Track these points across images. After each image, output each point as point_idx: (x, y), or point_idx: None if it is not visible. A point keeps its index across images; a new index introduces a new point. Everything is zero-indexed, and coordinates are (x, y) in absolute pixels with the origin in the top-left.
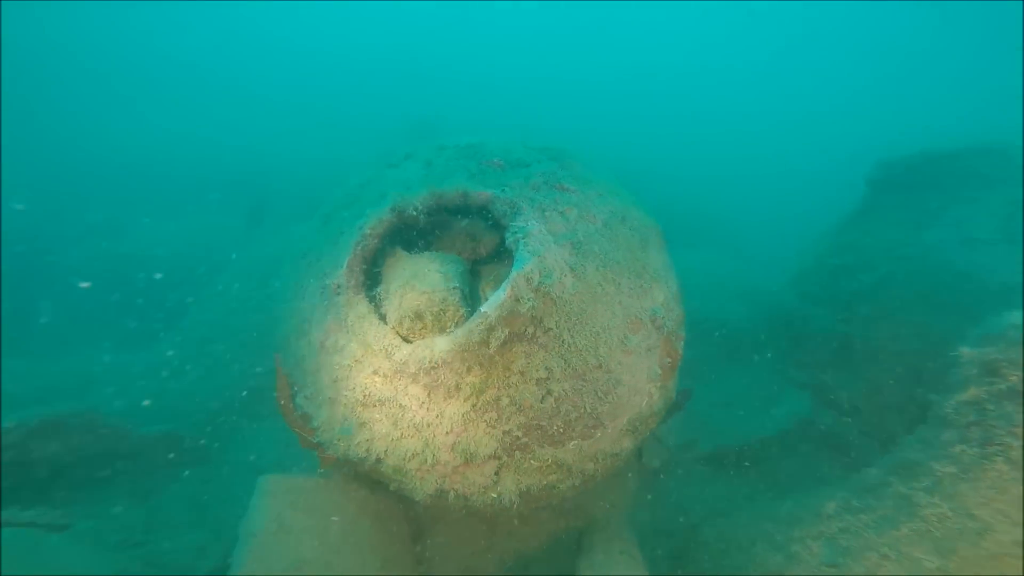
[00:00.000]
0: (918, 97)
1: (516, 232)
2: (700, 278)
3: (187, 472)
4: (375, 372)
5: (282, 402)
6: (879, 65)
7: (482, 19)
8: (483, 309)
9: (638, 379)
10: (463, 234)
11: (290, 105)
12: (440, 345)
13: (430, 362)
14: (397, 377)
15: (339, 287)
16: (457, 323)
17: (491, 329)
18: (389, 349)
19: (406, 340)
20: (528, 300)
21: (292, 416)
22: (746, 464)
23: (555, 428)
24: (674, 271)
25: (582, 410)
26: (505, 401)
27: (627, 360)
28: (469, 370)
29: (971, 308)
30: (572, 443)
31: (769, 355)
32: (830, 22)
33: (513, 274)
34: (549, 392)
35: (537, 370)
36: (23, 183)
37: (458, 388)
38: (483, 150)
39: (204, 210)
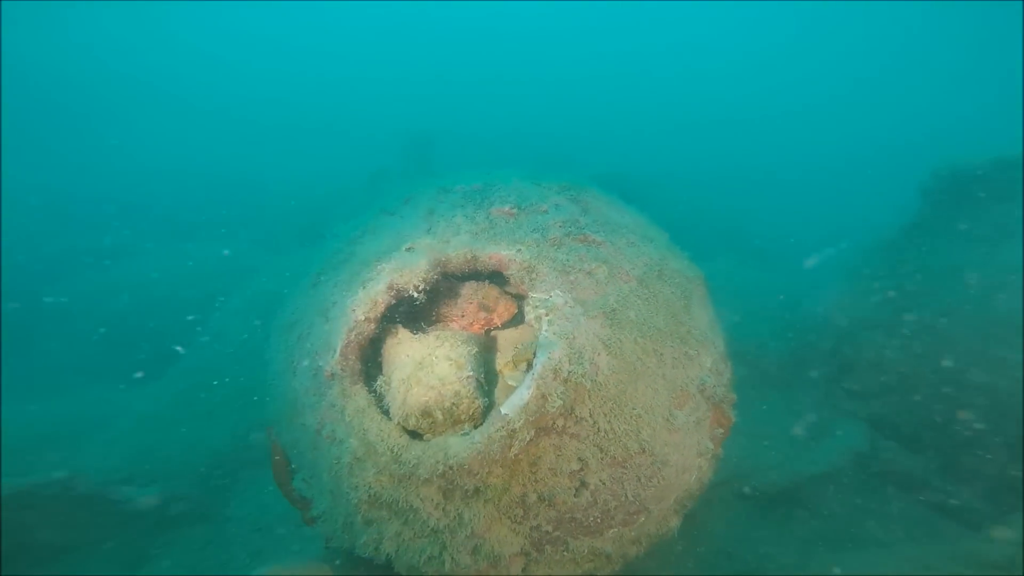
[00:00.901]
0: (969, 99)
1: (537, 306)
2: (730, 294)
3: (184, 534)
4: (380, 472)
5: (279, 481)
6: (923, 65)
7: (481, 27)
8: (504, 411)
9: (687, 457)
10: (473, 303)
11: (287, 121)
12: (455, 449)
13: (444, 467)
14: (407, 479)
15: (333, 375)
16: (472, 415)
17: (514, 434)
18: (395, 450)
19: (415, 432)
20: (558, 397)
21: (291, 496)
22: (796, 504)
23: (592, 519)
24: (720, 326)
25: (623, 498)
26: (533, 498)
27: (674, 439)
28: (490, 472)
29: None
30: (612, 531)
31: (813, 382)
32: (859, 21)
33: (538, 367)
34: (584, 485)
35: (569, 463)
36: (22, 209)
37: (478, 491)
38: (491, 193)
39: (204, 238)
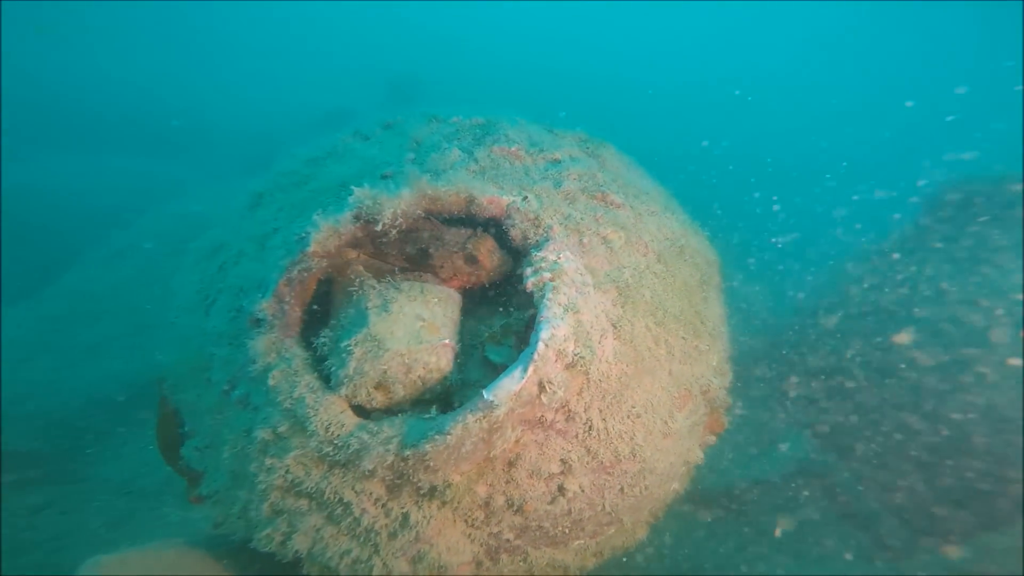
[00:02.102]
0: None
1: (541, 268)
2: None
3: (14, 494)
4: (305, 454)
5: (162, 446)
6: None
7: None
8: (487, 396)
9: (674, 465)
10: (458, 252)
11: (253, 44)
12: (414, 435)
13: (396, 457)
14: (343, 467)
15: (260, 322)
16: (442, 395)
17: (498, 429)
18: (332, 429)
19: (361, 408)
20: (558, 387)
21: (176, 466)
22: (733, 508)
23: (560, 529)
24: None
25: (598, 508)
26: (500, 501)
27: (665, 444)
28: (455, 469)
29: None
30: (578, 543)
31: (767, 387)
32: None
33: (538, 345)
34: (562, 491)
35: (550, 464)
36: None
37: (435, 490)
38: (495, 131)
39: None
